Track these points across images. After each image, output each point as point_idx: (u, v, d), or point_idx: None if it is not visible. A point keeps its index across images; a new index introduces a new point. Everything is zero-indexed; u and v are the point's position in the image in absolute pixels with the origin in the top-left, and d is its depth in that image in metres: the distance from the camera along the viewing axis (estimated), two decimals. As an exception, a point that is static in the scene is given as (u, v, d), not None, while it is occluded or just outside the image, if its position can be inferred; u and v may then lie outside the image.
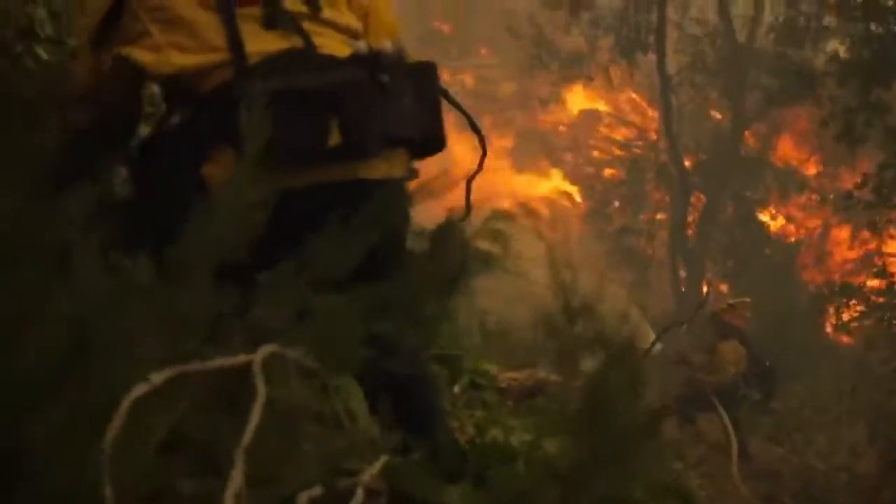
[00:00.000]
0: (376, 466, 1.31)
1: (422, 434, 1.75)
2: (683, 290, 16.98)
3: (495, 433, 1.88)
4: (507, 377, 2.49)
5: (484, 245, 2.04)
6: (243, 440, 1.11)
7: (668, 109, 16.97)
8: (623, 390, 1.20)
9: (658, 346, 11.10)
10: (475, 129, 4.02)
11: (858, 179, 12.47)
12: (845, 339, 14.83)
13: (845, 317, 14.48)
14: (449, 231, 5.57)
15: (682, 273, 17.41)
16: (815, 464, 9.58)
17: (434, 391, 2.18)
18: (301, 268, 1.35)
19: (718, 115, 18.43)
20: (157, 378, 1.10)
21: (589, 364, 1.37)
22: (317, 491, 1.19)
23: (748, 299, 11.57)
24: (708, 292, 7.62)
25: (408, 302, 1.86)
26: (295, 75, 2.00)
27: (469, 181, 5.45)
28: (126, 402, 1.06)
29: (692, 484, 6.32)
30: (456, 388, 2.52)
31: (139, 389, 1.09)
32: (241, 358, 1.24)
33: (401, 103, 2.20)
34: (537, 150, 21.65)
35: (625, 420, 1.29)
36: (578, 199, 21.05)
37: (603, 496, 1.14)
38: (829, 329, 15.97)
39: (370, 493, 1.40)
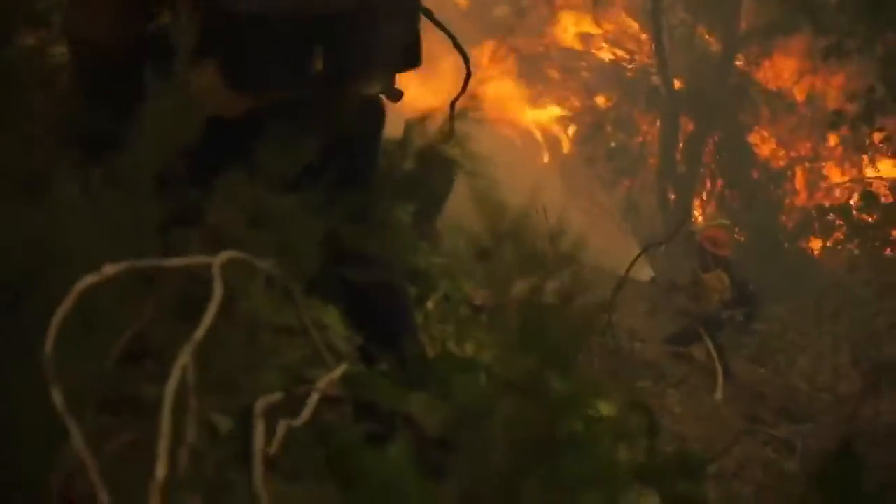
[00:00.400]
0: (335, 374, 1.33)
1: (390, 344, 1.77)
2: (672, 212, 17.04)
3: (465, 347, 1.90)
4: (482, 294, 2.51)
5: (443, 148, 2.03)
6: (193, 337, 1.12)
7: (658, 30, 16.85)
8: (556, 302, 1.21)
9: (648, 272, 11.20)
10: (460, 50, 4.00)
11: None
12: (830, 261, 14.92)
13: (830, 241, 14.55)
14: (433, 152, 5.56)
15: (672, 196, 17.43)
16: (797, 384, 9.71)
17: (404, 302, 2.19)
18: (255, 171, 1.35)
19: (708, 38, 18.30)
20: (110, 270, 1.10)
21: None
22: (274, 397, 1.21)
23: (727, 221, 11.63)
24: (688, 214, 7.65)
25: (372, 207, 1.86)
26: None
27: (453, 102, 5.42)
28: (75, 291, 1.06)
29: (671, 401, 6.42)
30: (430, 304, 2.56)
31: (89, 279, 1.08)
32: (198, 258, 1.24)
33: (386, 27, 2.19)
34: (531, 74, 21.48)
35: (560, 329, 1.31)
36: (570, 123, 20.97)
37: (554, 402, 1.17)
38: (814, 252, 16.08)
39: (332, 400, 1.42)
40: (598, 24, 20.45)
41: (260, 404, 1.20)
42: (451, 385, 1.34)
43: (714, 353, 9.48)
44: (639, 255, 7.32)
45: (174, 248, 1.29)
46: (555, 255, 1.20)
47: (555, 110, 21.76)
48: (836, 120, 12.51)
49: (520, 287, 1.38)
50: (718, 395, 8.37)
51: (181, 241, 1.30)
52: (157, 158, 1.19)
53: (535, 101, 21.43)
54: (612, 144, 18.77)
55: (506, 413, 1.23)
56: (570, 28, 21.02)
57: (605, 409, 1.48)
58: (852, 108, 12.04)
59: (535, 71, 20.92)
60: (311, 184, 1.46)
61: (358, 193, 1.74)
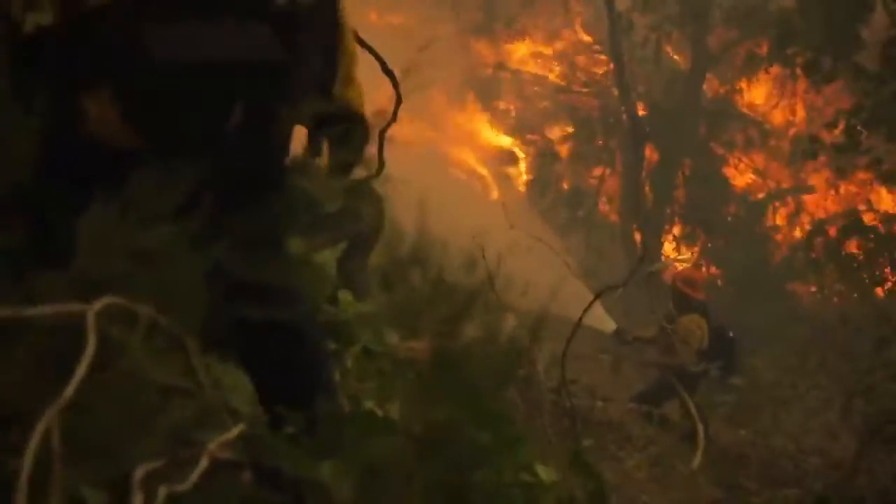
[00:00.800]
0: (229, 435, 1.30)
1: (300, 403, 1.74)
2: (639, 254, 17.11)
3: (388, 408, 1.88)
4: (407, 346, 2.48)
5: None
6: (60, 397, 1.09)
7: (617, 51, 17.01)
8: (470, 347, 1.22)
9: (610, 324, 11.20)
10: (389, 75, 4.07)
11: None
12: (817, 309, 15.11)
13: (816, 283, 14.77)
14: (361, 188, 5.57)
15: (638, 237, 17.54)
16: (783, 446, 9.76)
17: (317, 355, 2.16)
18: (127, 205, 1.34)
19: (677, 58, 18.56)
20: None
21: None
22: (155, 464, 1.18)
23: (687, 255, 11.73)
24: (645, 250, 7.65)
25: (272, 234, 1.84)
26: (199, 38, 1.99)
27: (382, 132, 5.45)
28: None
29: (634, 466, 6.41)
30: (348, 360, 2.52)
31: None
32: (72, 306, 1.22)
33: (308, 66, 2.23)
34: (480, 97, 21.62)
35: (477, 373, 1.31)
36: (521, 154, 21.07)
37: (471, 455, 1.16)
38: (799, 297, 16.28)
39: (229, 465, 1.40)
40: (553, 44, 20.66)
41: (139, 472, 1.18)
42: (364, 448, 1.32)
43: (693, 412, 9.48)
44: (594, 299, 7.33)
45: (38, 295, 1.26)
46: (476, 293, 1.20)
47: (506, 140, 21.91)
48: (813, 148, 12.75)
49: (434, 329, 1.38)
50: (698, 460, 8.35)
51: (46, 287, 1.28)
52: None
53: (484, 130, 21.56)
54: (566, 187, 18.90)
55: (422, 476, 1.22)
56: (521, 49, 21.21)
57: (545, 473, 1.47)
58: (830, 136, 12.29)
59: (484, 96, 21.06)
60: (201, 215, 1.45)
61: (254, 217, 1.74)
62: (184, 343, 1.46)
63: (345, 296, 3.61)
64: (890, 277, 12.11)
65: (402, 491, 1.19)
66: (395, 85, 5.03)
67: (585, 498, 1.41)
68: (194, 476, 1.25)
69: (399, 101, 5.23)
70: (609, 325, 11.29)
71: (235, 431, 1.33)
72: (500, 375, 1.23)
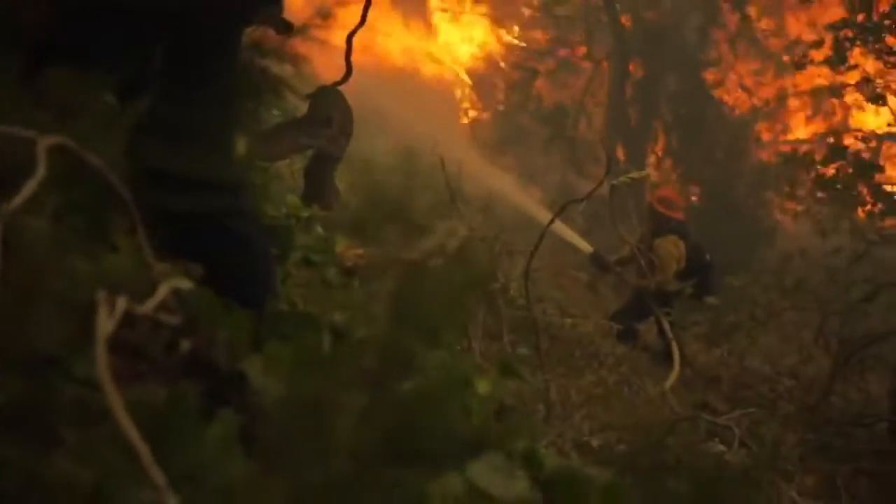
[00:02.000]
0: (163, 291, 1.29)
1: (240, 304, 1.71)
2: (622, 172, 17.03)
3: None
4: (353, 254, 2.46)
5: (275, 67, 2.00)
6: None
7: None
8: (437, 274, 1.19)
9: (587, 247, 11.19)
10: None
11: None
12: (795, 227, 15.14)
13: (796, 203, 14.79)
14: (326, 95, 5.49)
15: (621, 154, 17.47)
16: (758, 367, 9.84)
17: (259, 258, 2.12)
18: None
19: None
20: None
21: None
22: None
23: (644, 172, 11.69)
24: (610, 159, 7.61)
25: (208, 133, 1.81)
26: None
27: (350, 36, 5.37)
28: None
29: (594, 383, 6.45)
30: (289, 265, 2.49)
31: None
32: (24, 131, 1.22)
33: None
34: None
35: (443, 295, 1.29)
36: (503, 63, 20.88)
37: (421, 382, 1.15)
38: (777, 216, 16.32)
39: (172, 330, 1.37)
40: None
41: (101, 293, 1.17)
42: (288, 344, 1.31)
43: (669, 333, 9.50)
44: (559, 213, 7.30)
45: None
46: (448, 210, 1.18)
47: (488, 47, 21.68)
48: (802, 60, 12.68)
49: (400, 246, 1.35)
50: (672, 379, 8.39)
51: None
52: None
53: (467, 36, 21.32)
54: (550, 94, 18.71)
55: (358, 399, 1.20)
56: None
57: (482, 385, 1.46)
58: (819, 53, 12.22)
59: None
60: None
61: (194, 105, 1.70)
62: (128, 207, 1.43)
63: (292, 199, 3.58)
64: (869, 199, 12.12)
65: (333, 399, 1.17)
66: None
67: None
68: (154, 301, 1.25)
69: (369, 2, 5.18)
70: (586, 248, 11.29)
71: (167, 287, 1.31)
72: (461, 298, 1.21)
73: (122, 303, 1.17)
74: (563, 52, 18.94)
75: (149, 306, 1.27)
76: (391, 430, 1.21)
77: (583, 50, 18.81)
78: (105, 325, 1.12)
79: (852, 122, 15.97)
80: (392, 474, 1.14)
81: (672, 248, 10.37)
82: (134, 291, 1.28)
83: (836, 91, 14.28)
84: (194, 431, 1.18)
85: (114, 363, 1.25)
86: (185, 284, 1.36)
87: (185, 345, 1.40)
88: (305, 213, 3.31)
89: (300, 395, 1.22)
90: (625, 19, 17.61)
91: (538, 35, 19.53)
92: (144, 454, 0.97)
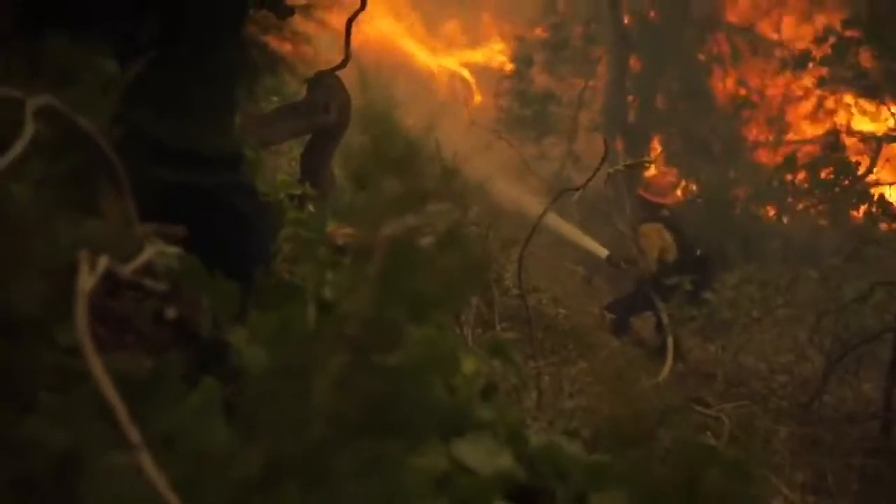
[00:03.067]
0: (145, 255, 1.27)
1: (233, 277, 1.69)
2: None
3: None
4: (343, 233, 2.45)
5: (275, 43, 1.99)
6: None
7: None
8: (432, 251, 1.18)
9: (602, 251, 11.16)
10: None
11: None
12: (792, 226, 15.13)
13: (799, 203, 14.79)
14: (325, 80, 5.46)
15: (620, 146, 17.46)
16: (753, 364, 9.85)
17: (253, 231, 2.11)
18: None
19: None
20: None
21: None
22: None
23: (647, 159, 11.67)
24: (607, 149, 7.60)
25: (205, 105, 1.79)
26: None
27: (349, 21, 5.34)
28: None
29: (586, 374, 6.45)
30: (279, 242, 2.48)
31: None
32: (11, 90, 1.21)
33: None
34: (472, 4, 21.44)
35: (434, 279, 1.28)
36: (503, 57, 20.91)
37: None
38: (775, 216, 16.29)
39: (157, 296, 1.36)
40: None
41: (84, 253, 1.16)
42: (272, 315, 1.30)
43: (665, 324, 9.50)
44: (553, 201, 7.29)
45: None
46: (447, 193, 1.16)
47: (494, 46, 21.72)
48: (802, 58, 12.67)
49: (394, 225, 1.34)
50: (665, 371, 8.39)
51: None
52: None
53: (473, 36, 21.35)
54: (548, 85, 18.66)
55: (338, 364, 1.19)
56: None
57: (468, 364, 1.45)
58: (820, 51, 12.22)
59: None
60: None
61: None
62: (117, 173, 1.42)
63: (283, 177, 3.57)
64: (864, 200, 12.13)
65: (314, 365, 1.16)
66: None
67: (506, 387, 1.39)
68: (136, 263, 1.24)
69: (367, -12, 5.17)
70: (600, 252, 11.26)
71: (151, 251, 1.30)
72: (451, 278, 1.20)
73: (103, 261, 1.16)
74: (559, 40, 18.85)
75: (132, 267, 1.26)
76: (373, 400, 1.20)
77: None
78: (86, 282, 1.10)
79: (853, 124, 15.95)
80: (372, 445, 1.13)
81: (655, 237, 10.36)
82: (118, 256, 1.27)
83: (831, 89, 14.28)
84: (176, 398, 1.17)
85: (100, 334, 1.24)
86: (170, 250, 1.35)
87: (171, 312, 1.39)
88: (297, 192, 3.31)
89: (281, 361, 1.21)
90: (626, 17, 17.59)
91: (538, 31, 19.51)
92: (121, 413, 0.96)
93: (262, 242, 2.14)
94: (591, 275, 12.64)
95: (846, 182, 11.99)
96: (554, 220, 10.68)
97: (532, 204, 10.44)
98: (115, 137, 1.35)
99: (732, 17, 18.11)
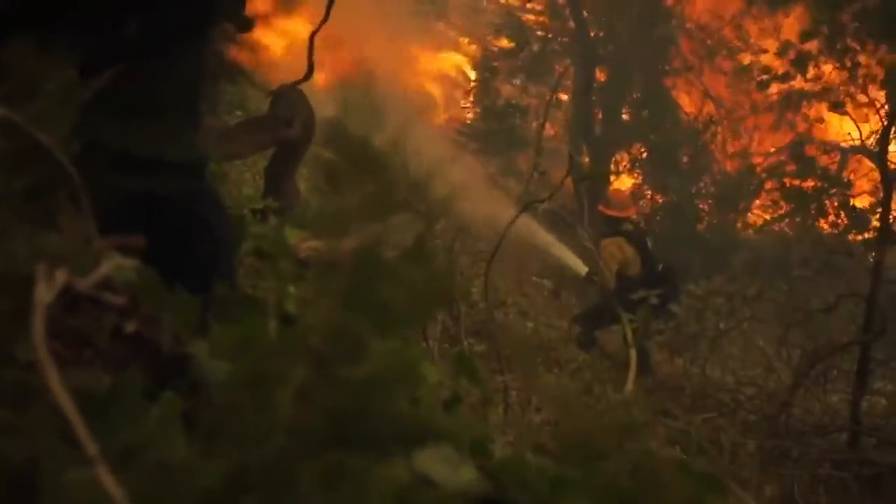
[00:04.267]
0: (105, 268, 1.26)
1: (195, 291, 1.68)
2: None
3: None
4: (307, 246, 2.44)
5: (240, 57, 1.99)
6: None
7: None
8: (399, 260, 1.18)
9: (582, 267, 11.17)
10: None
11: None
12: (760, 238, 15.23)
13: (761, 212, 14.89)
14: (288, 94, 5.46)
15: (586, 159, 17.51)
16: (721, 376, 9.89)
17: (218, 242, 2.10)
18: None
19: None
20: None
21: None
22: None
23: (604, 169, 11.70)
24: (571, 163, 7.59)
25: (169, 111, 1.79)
26: None
27: (312, 35, 5.35)
28: None
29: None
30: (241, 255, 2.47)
31: None
32: None
33: None
34: (433, 16, 21.40)
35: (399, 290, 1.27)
36: (470, 71, 20.94)
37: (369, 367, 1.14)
38: (741, 224, 16.40)
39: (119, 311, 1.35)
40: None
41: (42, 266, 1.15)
42: (233, 328, 1.29)
43: (630, 337, 9.50)
44: (518, 214, 7.30)
45: None
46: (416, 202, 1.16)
47: (455, 58, 21.72)
48: (765, 79, 12.78)
49: (358, 236, 1.34)
50: (629, 384, 8.40)
51: None
52: None
53: (433, 46, 21.35)
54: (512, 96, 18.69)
55: (302, 377, 1.19)
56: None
57: (431, 372, 1.45)
58: (782, 64, 12.32)
59: (438, 15, 20.81)
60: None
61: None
62: (75, 185, 1.41)
63: (246, 190, 3.57)
64: (831, 210, 12.24)
65: (275, 376, 1.16)
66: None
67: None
68: (95, 277, 1.23)
69: (332, 1, 5.16)
70: (580, 268, 11.28)
71: (109, 265, 1.28)
72: (416, 290, 1.20)
73: (61, 275, 1.15)
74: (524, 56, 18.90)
75: (90, 281, 1.25)
76: (335, 411, 1.20)
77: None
78: (44, 295, 1.10)
79: (816, 134, 16.07)
80: (335, 458, 1.13)
81: (615, 250, 10.41)
82: (77, 270, 1.26)
83: (798, 102, 14.41)
84: (135, 412, 1.16)
85: (58, 350, 1.24)
86: (127, 263, 1.34)
87: (130, 326, 1.38)
88: (259, 205, 3.31)
89: (243, 374, 1.21)
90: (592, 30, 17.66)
91: (504, 42, 19.54)
92: (79, 428, 0.95)
93: (226, 251, 2.14)
94: (558, 288, 12.67)
95: (811, 185, 12.09)
96: (531, 232, 10.71)
97: (499, 217, 10.47)
98: (76, 146, 1.34)
99: (696, 25, 18.19)
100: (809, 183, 12.21)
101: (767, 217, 14.94)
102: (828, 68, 12.59)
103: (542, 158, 18.07)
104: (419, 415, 1.44)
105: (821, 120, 14.91)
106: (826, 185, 12.12)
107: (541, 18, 19.39)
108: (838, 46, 11.55)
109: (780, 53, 12.79)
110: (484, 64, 18.88)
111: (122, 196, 1.54)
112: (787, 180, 12.52)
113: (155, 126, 1.72)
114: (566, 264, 11.62)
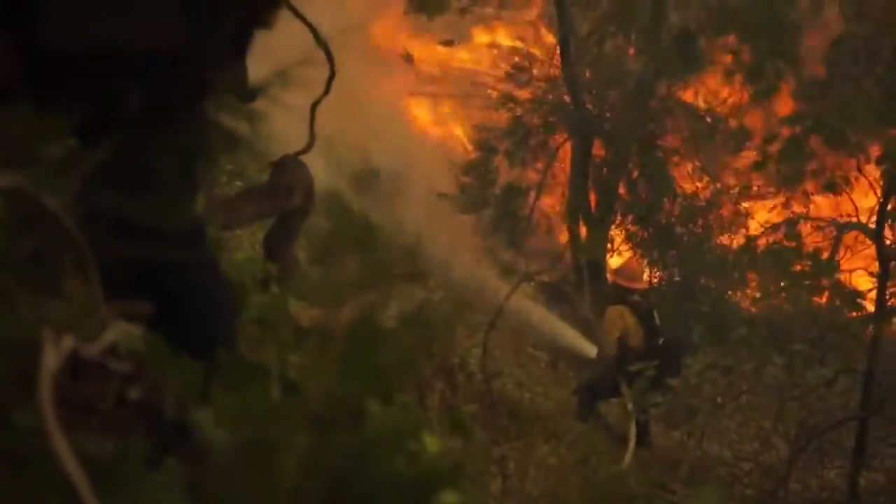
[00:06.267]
0: (110, 335, 1.27)
1: (198, 355, 1.69)
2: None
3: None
4: (307, 315, 2.44)
5: (229, 121, 2.00)
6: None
7: (564, 38, 16.84)
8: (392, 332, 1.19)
9: (592, 350, 11.13)
10: (323, 47, 4.02)
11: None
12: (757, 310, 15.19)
13: (758, 287, 14.89)
14: (289, 164, 5.50)
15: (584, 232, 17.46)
16: (718, 451, 9.84)
17: (221, 311, 2.12)
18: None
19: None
20: None
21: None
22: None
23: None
24: (572, 236, 7.62)
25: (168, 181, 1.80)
26: None
27: (314, 105, 5.38)
28: None
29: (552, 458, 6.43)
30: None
31: None
32: None
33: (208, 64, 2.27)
34: (436, 91, 21.50)
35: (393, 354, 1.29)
36: (469, 145, 20.97)
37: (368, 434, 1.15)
38: (739, 299, 16.38)
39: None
40: (509, 33, 20.56)
41: (49, 331, 1.15)
42: (236, 395, 1.30)
43: (629, 409, 9.48)
44: (515, 287, 7.33)
45: None
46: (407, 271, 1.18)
47: (457, 130, 21.80)
48: (760, 161, 12.90)
49: (356, 304, 1.35)
50: (627, 458, 8.37)
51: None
52: None
53: (438, 122, 21.45)
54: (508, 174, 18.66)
55: (304, 442, 1.19)
56: (482, 38, 21.06)
57: (430, 442, 1.45)
58: (776, 146, 12.43)
59: (440, 89, 20.90)
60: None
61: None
62: (82, 252, 1.42)
63: (246, 258, 3.58)
64: (826, 285, 12.25)
65: (278, 442, 1.16)
66: (329, 58, 4.99)
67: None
68: (102, 343, 1.23)
69: (332, 74, 5.20)
70: (591, 352, 11.24)
71: (115, 331, 1.29)
72: (412, 357, 1.21)
73: (68, 341, 1.16)
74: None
75: (96, 347, 1.25)
76: (336, 476, 1.20)
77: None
78: (51, 361, 1.10)
79: (812, 211, 16.11)
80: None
81: (616, 318, 10.44)
82: (83, 336, 1.27)
83: (790, 182, 14.52)
84: (139, 479, 1.16)
85: (64, 417, 1.24)
86: (133, 330, 1.35)
87: (134, 392, 1.38)
88: (259, 273, 3.31)
89: (245, 439, 1.21)
90: (589, 102, 17.71)
91: (502, 116, 19.57)
92: (84, 492, 0.96)
93: (227, 319, 2.15)
94: (555, 359, 12.64)
95: (803, 268, 12.14)
96: (526, 309, 10.74)
97: (497, 288, 10.49)
98: (80, 215, 1.35)
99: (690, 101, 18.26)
100: (798, 267, 12.25)
101: (760, 294, 14.91)
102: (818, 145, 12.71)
103: (538, 233, 18.08)
104: (419, 481, 1.45)
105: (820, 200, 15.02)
106: (816, 269, 12.15)
107: (538, 92, 19.43)
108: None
109: (768, 140, 12.95)
110: (483, 144, 18.87)
111: (121, 265, 1.55)
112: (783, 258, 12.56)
113: (152, 195, 1.74)
114: (573, 348, 11.63)
